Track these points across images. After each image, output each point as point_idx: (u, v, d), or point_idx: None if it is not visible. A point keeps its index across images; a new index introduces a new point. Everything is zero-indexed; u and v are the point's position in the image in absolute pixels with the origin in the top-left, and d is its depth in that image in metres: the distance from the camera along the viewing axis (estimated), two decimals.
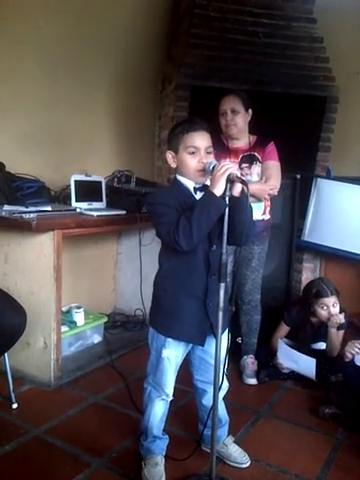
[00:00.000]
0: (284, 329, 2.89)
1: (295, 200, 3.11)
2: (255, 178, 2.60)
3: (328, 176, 3.26)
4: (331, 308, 2.69)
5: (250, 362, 2.75)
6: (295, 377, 2.69)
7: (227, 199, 1.56)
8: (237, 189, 1.57)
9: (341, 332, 2.71)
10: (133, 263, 3.29)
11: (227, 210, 1.56)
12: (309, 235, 3.25)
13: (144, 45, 3.47)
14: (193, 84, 3.10)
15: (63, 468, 1.86)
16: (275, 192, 2.59)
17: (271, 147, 2.63)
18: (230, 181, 1.54)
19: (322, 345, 2.78)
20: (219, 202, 1.55)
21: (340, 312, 2.69)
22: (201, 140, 1.66)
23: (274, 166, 2.61)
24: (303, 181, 3.12)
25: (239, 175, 1.55)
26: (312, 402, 2.44)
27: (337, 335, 2.68)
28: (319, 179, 3.24)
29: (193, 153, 1.66)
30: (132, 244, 3.36)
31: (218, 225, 1.60)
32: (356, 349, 2.29)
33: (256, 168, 2.61)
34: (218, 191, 1.54)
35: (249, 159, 2.61)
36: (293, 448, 2.07)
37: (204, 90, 3.10)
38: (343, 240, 3.16)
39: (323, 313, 2.71)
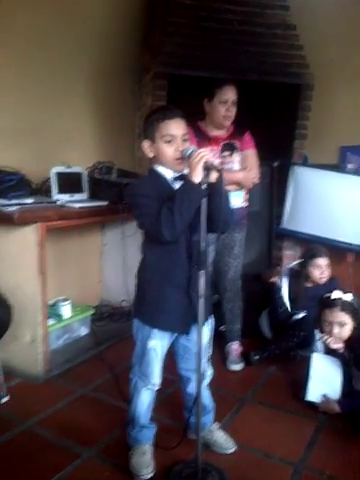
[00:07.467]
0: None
1: (273, 188, 3.14)
2: (237, 166, 2.64)
3: (305, 163, 3.30)
4: (324, 268, 2.88)
5: (234, 349, 2.81)
6: (283, 355, 2.77)
7: (205, 186, 1.56)
8: (214, 176, 1.57)
9: None
10: (118, 254, 3.29)
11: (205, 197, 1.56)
12: (288, 222, 3.29)
13: (121, 34, 3.43)
14: (171, 72, 3.10)
15: (53, 459, 1.89)
16: (257, 180, 2.67)
17: (248, 136, 2.68)
18: (206, 168, 1.54)
19: (299, 314, 2.90)
20: (199, 189, 1.55)
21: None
22: (177, 128, 1.64)
23: (254, 155, 2.68)
24: (281, 169, 3.15)
25: (214, 162, 1.56)
26: (294, 387, 2.50)
27: None
28: (296, 166, 3.28)
29: (169, 141, 1.64)
30: (116, 235, 3.37)
31: (198, 213, 1.59)
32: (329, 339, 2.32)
33: (237, 156, 2.64)
34: (196, 178, 1.54)
35: (230, 147, 2.63)
36: (277, 432, 2.13)
37: (181, 79, 3.10)
38: (321, 227, 3.22)
39: (316, 273, 2.89)
